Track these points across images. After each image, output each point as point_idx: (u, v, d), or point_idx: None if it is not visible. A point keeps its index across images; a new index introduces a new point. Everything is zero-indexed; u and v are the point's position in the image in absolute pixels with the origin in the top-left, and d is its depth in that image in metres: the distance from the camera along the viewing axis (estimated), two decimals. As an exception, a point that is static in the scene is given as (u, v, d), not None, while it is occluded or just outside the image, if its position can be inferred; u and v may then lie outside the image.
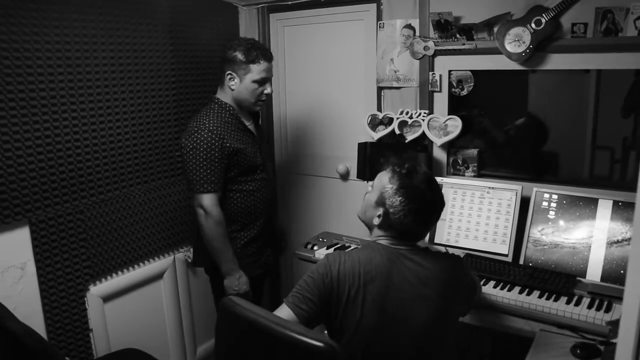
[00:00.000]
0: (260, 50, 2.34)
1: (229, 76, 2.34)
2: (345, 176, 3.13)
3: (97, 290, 2.50)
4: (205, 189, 2.28)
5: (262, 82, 2.36)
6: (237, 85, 2.34)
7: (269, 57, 2.37)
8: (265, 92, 2.39)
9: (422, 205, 1.62)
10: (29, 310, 2.22)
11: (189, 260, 2.95)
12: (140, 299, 2.74)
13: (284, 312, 1.59)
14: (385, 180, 1.66)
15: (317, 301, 1.59)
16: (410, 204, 1.61)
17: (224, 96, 2.39)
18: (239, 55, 2.30)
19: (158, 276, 2.82)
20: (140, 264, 2.72)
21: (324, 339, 1.42)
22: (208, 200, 2.29)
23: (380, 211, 1.65)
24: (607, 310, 1.89)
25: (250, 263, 2.48)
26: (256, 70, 2.32)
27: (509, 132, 2.78)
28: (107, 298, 2.55)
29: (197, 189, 2.29)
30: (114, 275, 2.59)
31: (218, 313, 1.71)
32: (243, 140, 2.38)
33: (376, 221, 1.67)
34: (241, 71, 2.32)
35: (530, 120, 2.72)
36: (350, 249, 2.46)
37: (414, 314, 1.60)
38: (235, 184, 2.38)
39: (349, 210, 2.99)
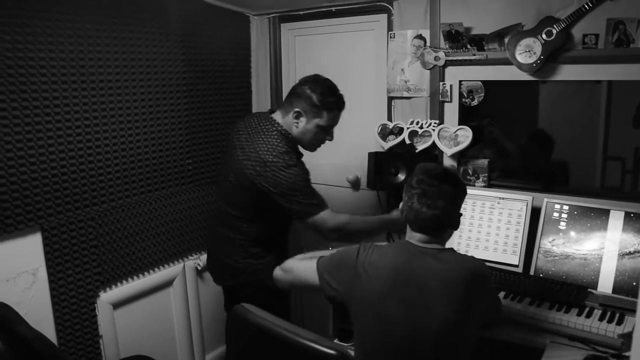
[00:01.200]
0: (336, 98, 2.25)
1: (296, 114, 2.22)
2: (355, 185, 3.13)
3: (107, 296, 2.51)
4: (322, 207, 2.19)
5: (328, 129, 2.28)
6: (303, 125, 2.24)
7: (342, 107, 2.29)
8: (327, 138, 2.34)
9: (422, 185, 1.70)
10: (40, 315, 2.24)
11: (199, 268, 2.96)
12: (150, 306, 2.75)
13: (313, 275, 1.80)
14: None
15: (344, 286, 1.73)
16: (412, 190, 1.71)
17: (285, 126, 2.25)
18: (314, 97, 2.20)
19: (168, 283, 2.84)
20: (150, 271, 2.74)
21: (335, 346, 1.43)
22: (331, 216, 2.18)
23: (400, 207, 1.79)
24: (619, 323, 1.88)
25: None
26: (326, 117, 2.23)
27: (519, 142, 2.78)
28: (117, 305, 2.57)
29: (315, 210, 2.16)
30: (124, 282, 2.60)
31: (229, 320, 1.72)
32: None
33: (403, 219, 1.78)
34: (311, 114, 2.22)
35: (540, 131, 2.71)
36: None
37: (425, 312, 1.60)
38: (277, 216, 2.29)
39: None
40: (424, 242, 1.72)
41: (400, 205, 1.78)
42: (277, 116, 2.29)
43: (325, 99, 2.21)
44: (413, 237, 1.75)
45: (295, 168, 2.16)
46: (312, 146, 2.34)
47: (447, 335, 1.61)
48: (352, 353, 1.70)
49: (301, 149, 2.35)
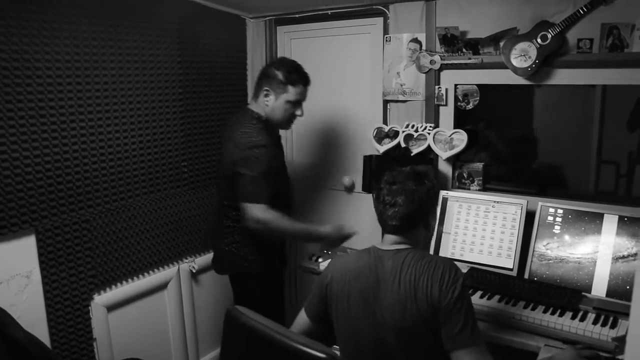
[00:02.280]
0: (300, 74, 2.44)
1: (265, 92, 2.42)
2: (350, 189, 3.13)
3: (101, 299, 2.50)
4: (259, 200, 2.30)
5: (295, 103, 2.45)
6: (272, 102, 2.42)
7: (306, 82, 2.48)
8: (297, 113, 2.49)
9: (386, 185, 1.73)
10: (34, 318, 2.23)
11: (193, 271, 2.96)
12: (144, 309, 2.74)
13: (301, 314, 1.87)
14: None
15: (320, 302, 1.80)
16: (378, 192, 1.75)
17: (257, 108, 2.47)
18: (280, 75, 2.40)
19: (162, 286, 2.83)
20: (145, 273, 2.73)
21: (325, 350, 1.45)
22: (261, 210, 2.30)
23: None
24: (613, 326, 1.88)
25: (273, 257, 2.59)
26: (292, 92, 2.42)
27: (514, 146, 2.79)
28: (111, 307, 2.56)
29: (252, 199, 2.30)
30: (118, 284, 2.60)
31: (224, 322, 1.73)
32: (280, 157, 2.56)
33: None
34: (278, 90, 2.41)
35: (535, 135, 2.72)
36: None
37: (394, 312, 1.62)
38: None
39: (353, 222, 2.99)
40: (392, 244, 1.72)
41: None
42: (252, 104, 2.51)
43: (290, 75, 2.41)
44: (384, 240, 1.76)
45: (263, 149, 2.33)
46: (285, 122, 2.52)
47: (406, 334, 1.62)
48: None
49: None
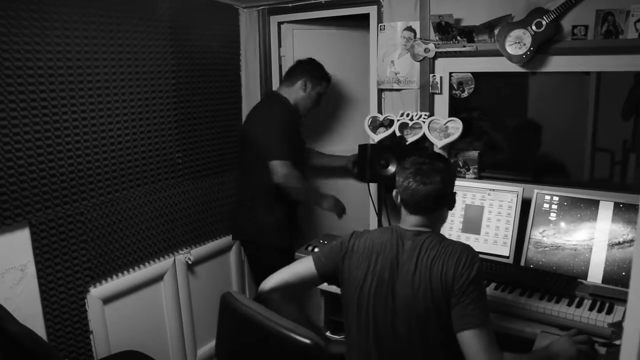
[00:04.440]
0: (328, 74, 2.97)
1: (303, 82, 2.88)
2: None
3: (97, 292, 2.49)
4: (284, 157, 2.69)
5: (320, 97, 2.97)
6: (308, 92, 2.89)
7: (330, 81, 3.00)
8: (318, 106, 3.01)
9: (415, 165, 1.73)
10: (29, 312, 2.22)
11: (189, 262, 2.95)
12: (141, 301, 2.73)
13: (306, 261, 1.86)
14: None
15: (333, 262, 1.81)
16: (406, 171, 1.74)
17: (288, 95, 2.89)
18: (317, 71, 2.91)
19: (158, 278, 2.82)
20: (141, 265, 2.72)
21: (311, 336, 1.48)
22: (286, 166, 2.69)
23: (394, 193, 1.80)
24: (609, 312, 1.89)
25: (285, 234, 2.91)
26: (324, 86, 2.95)
27: (509, 134, 2.79)
28: (107, 300, 2.55)
29: (278, 156, 2.68)
30: (114, 277, 2.59)
31: (219, 308, 1.79)
32: (297, 140, 2.95)
33: (398, 203, 1.79)
34: (314, 82, 2.89)
35: (530, 122, 2.72)
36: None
37: (407, 293, 1.64)
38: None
39: (351, 207, 3.01)
40: (415, 226, 1.74)
41: (394, 191, 1.79)
42: (282, 90, 2.93)
43: (325, 73, 2.95)
44: (406, 220, 1.76)
45: (280, 118, 2.78)
46: (308, 111, 2.98)
47: (416, 317, 1.62)
48: (333, 344, 1.85)
49: None
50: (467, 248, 1.68)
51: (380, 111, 2.86)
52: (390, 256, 1.70)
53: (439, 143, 2.61)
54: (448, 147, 2.65)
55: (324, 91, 2.97)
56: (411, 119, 2.69)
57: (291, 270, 1.88)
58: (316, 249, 2.59)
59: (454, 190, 1.80)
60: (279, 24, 3.20)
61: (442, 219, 1.81)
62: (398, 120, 2.72)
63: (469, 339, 1.56)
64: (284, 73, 3.25)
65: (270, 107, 2.86)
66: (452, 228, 2.47)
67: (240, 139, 3.00)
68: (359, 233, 1.83)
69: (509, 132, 2.82)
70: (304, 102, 2.91)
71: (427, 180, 1.69)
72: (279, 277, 1.87)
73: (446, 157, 1.84)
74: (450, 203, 1.78)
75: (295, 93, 2.88)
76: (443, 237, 1.74)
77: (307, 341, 1.48)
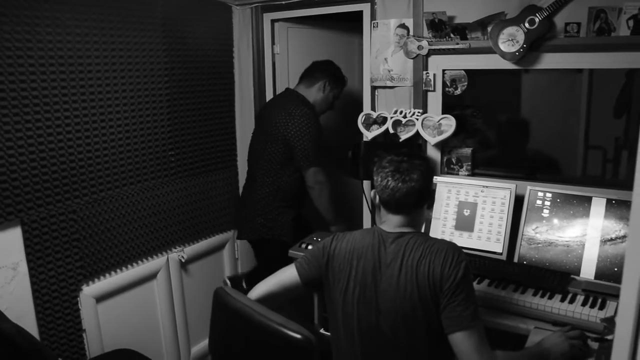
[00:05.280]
0: (345, 78, 3.06)
1: (322, 83, 2.94)
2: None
3: (90, 290, 2.48)
4: (318, 164, 2.81)
5: (336, 100, 3.04)
6: (327, 93, 2.96)
7: (345, 85, 3.09)
8: (331, 108, 3.08)
9: (393, 163, 1.71)
10: (21, 310, 2.20)
11: (183, 260, 2.94)
12: (134, 299, 2.73)
13: (289, 269, 1.84)
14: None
15: (316, 269, 1.79)
16: (384, 170, 1.72)
17: (308, 95, 2.94)
18: (338, 74, 3.00)
19: (151, 276, 2.81)
20: (134, 263, 2.71)
21: (302, 331, 1.49)
22: (320, 173, 2.81)
23: (371, 194, 1.81)
24: (601, 308, 1.90)
25: (295, 236, 2.88)
26: (340, 89, 3.04)
27: (502, 131, 2.80)
28: (100, 298, 2.54)
29: (314, 163, 2.79)
30: (107, 275, 2.58)
31: (212, 303, 1.80)
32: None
33: (377, 203, 1.78)
34: (333, 85, 2.97)
35: (523, 120, 2.73)
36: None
37: (393, 295, 1.63)
38: (298, 170, 2.87)
39: (345, 203, 3.02)
40: (397, 226, 1.72)
41: (372, 192, 1.78)
42: (300, 89, 2.97)
43: (342, 75, 3.02)
44: (387, 221, 1.75)
45: (315, 124, 2.83)
46: (322, 112, 3.03)
47: (403, 319, 1.62)
48: (325, 340, 1.81)
49: None
50: (453, 246, 1.66)
51: (373, 108, 2.86)
52: (372, 260, 1.68)
53: (432, 140, 2.61)
54: (441, 144, 2.65)
55: (339, 95, 3.03)
56: (404, 116, 2.69)
57: (275, 280, 1.85)
58: (310, 247, 2.59)
59: (432, 188, 1.79)
60: (272, 21, 3.19)
61: (423, 218, 1.80)
62: (391, 118, 2.72)
63: (461, 340, 1.56)
64: (277, 71, 3.26)
65: (300, 108, 2.84)
66: (446, 225, 2.48)
67: (260, 135, 2.97)
68: (340, 236, 1.81)
69: (502, 129, 2.82)
70: (321, 104, 2.96)
71: (406, 177, 1.67)
72: (263, 287, 1.84)
73: (423, 154, 1.82)
74: (431, 200, 1.78)
75: (314, 94, 2.93)
76: (427, 236, 1.72)
77: (298, 336, 1.49)
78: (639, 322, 0.85)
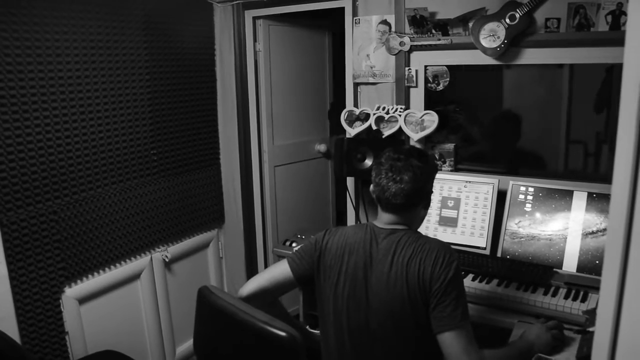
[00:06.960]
0: None
1: None
2: (327, 155, 3.35)
3: (72, 292, 2.45)
4: None
5: None
6: None
7: None
8: None
9: (389, 161, 1.68)
10: (1, 314, 2.17)
11: (166, 260, 2.92)
12: (118, 300, 2.70)
13: (281, 264, 1.81)
14: None
15: (308, 264, 1.77)
16: (380, 167, 1.69)
17: None
18: None
19: (135, 276, 2.79)
20: (117, 264, 2.68)
21: (287, 329, 1.49)
22: None
23: (371, 188, 1.75)
24: (583, 300, 1.93)
25: None
26: None
27: (485, 126, 2.81)
28: (83, 300, 2.51)
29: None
30: (89, 276, 2.55)
31: (197, 301, 1.79)
32: None
33: (375, 198, 1.75)
34: None
35: (505, 115, 2.74)
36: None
37: (382, 292, 1.62)
38: None
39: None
40: (389, 224, 1.70)
41: (371, 187, 1.75)
42: None
43: None
44: (381, 218, 1.73)
45: None
46: None
47: (391, 316, 1.62)
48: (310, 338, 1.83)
49: None
50: (444, 246, 1.64)
51: (356, 105, 2.86)
52: (364, 256, 1.67)
53: (415, 136, 2.62)
54: (424, 140, 2.66)
55: None
56: (387, 113, 2.69)
57: (267, 276, 1.82)
58: (294, 245, 2.59)
59: (430, 190, 1.73)
60: (254, 18, 3.17)
61: (419, 218, 1.76)
62: (374, 114, 2.72)
63: (450, 340, 1.55)
64: (260, 68, 3.24)
65: None
66: (430, 220, 2.49)
67: None
68: (332, 230, 1.79)
69: (484, 125, 2.84)
70: None
71: (397, 177, 1.64)
72: (255, 283, 1.81)
73: (424, 151, 1.77)
74: (425, 200, 1.73)
75: None
76: (419, 234, 1.70)
77: (283, 334, 1.48)
78: (619, 314, 0.86)
